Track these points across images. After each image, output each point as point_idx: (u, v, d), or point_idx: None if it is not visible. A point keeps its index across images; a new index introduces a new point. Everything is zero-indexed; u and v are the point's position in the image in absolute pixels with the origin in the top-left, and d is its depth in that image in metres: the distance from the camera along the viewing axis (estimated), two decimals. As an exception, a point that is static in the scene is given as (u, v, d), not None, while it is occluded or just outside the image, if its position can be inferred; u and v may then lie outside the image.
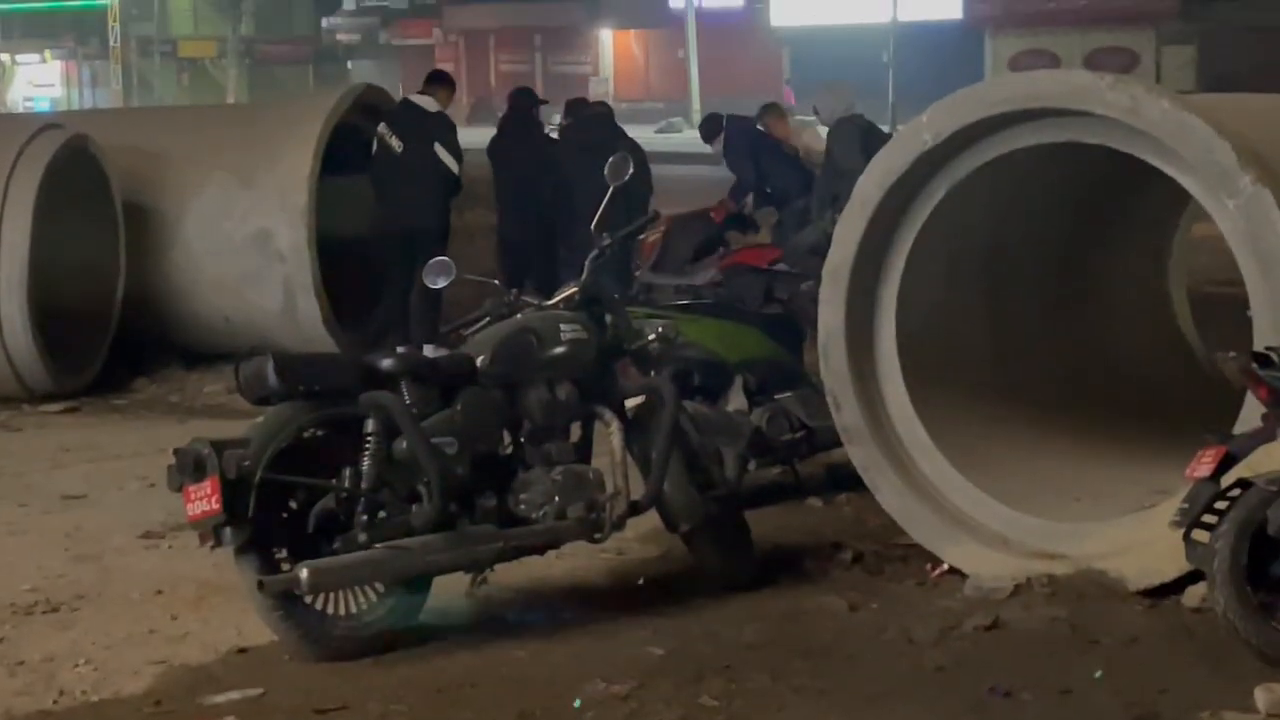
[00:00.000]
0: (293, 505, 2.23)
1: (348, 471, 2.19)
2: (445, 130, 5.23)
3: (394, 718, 2.02)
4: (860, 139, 4.86)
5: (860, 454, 2.80)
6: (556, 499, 2.36)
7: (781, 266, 4.16)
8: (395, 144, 5.05)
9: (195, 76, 34.87)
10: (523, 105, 6.14)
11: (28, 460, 4.20)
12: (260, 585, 2.10)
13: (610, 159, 2.80)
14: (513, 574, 2.59)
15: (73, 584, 2.81)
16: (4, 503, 3.62)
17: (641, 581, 2.82)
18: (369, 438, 2.21)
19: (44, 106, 27.59)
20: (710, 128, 6.68)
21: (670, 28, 29.93)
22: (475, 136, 7.81)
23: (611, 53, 32.58)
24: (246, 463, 2.07)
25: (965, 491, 2.68)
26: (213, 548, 2.17)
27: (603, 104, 6.95)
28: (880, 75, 20.42)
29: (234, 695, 2.11)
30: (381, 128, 5.14)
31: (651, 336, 2.71)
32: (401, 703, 2.07)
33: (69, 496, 3.63)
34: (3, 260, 4.79)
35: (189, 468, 2.10)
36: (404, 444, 2.21)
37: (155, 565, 2.96)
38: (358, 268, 5.63)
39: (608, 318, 2.64)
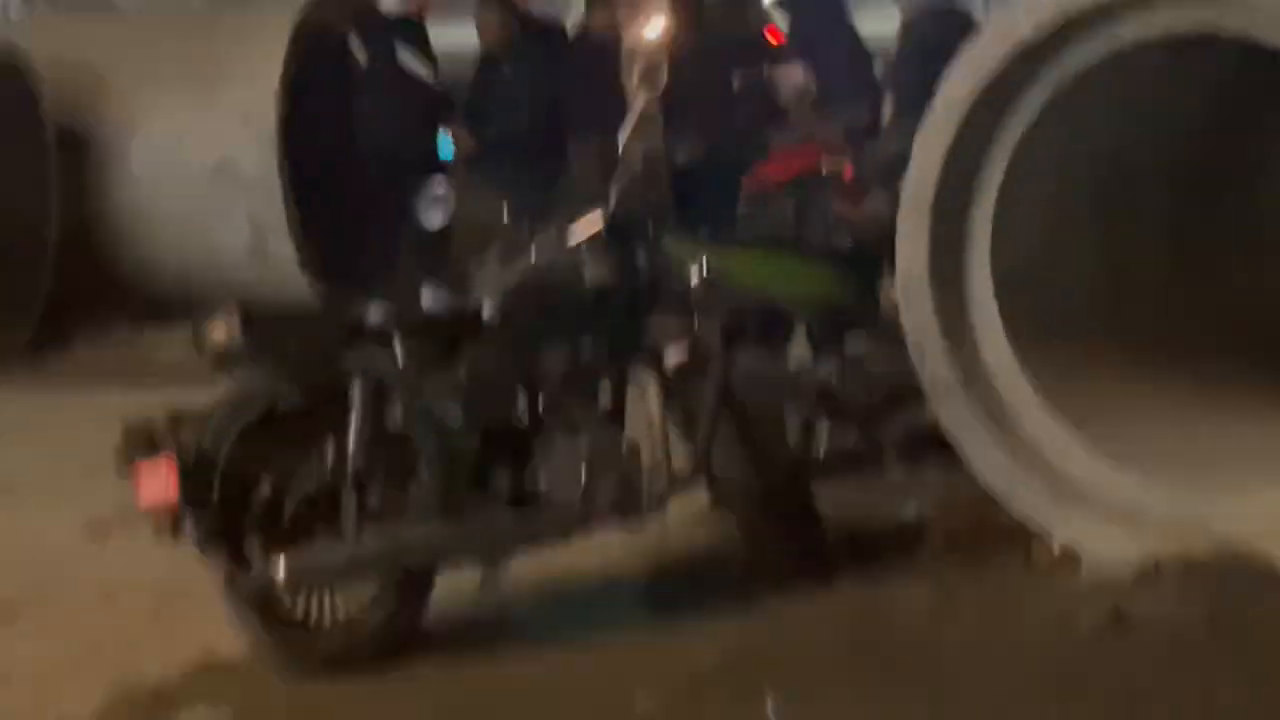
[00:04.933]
0: (266, 490, 2.41)
1: (331, 449, 2.37)
2: (411, 32, 5.49)
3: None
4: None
5: (950, 413, 2.96)
6: (584, 476, 2.53)
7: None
8: (361, 55, 5.40)
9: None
10: None
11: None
12: (229, 585, 2.34)
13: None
14: (533, 567, 2.82)
15: (4, 591, 3.14)
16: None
17: (688, 573, 3.12)
18: (356, 408, 2.39)
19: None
20: None
21: None
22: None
23: None
24: (209, 440, 2.27)
25: (1080, 456, 2.86)
26: (170, 541, 2.38)
27: None
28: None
29: (198, 716, 2.35)
30: (351, 35, 5.46)
31: (695, 276, 2.89)
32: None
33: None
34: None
35: (140, 446, 2.31)
36: (398, 414, 2.40)
37: (103, 565, 3.31)
38: (342, 202, 5.90)
39: (640, 254, 2.81)
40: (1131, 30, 2.75)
